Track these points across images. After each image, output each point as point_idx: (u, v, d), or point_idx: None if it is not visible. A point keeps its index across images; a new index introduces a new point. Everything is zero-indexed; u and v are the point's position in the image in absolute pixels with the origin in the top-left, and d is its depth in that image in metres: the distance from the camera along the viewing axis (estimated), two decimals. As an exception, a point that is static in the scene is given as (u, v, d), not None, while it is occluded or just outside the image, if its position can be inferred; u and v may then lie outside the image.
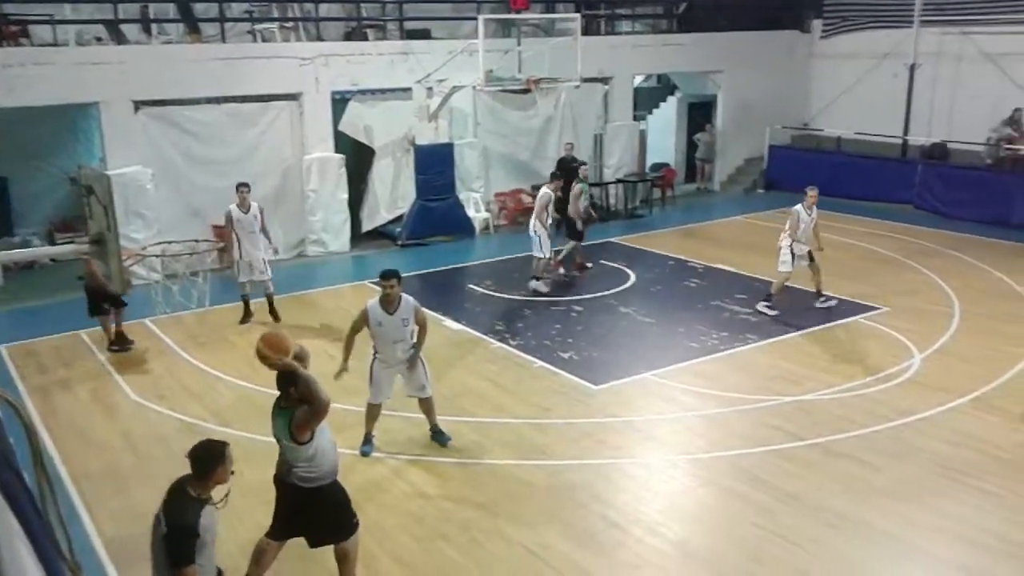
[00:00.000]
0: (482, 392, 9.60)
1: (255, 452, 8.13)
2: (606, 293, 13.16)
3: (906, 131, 19.79)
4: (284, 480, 5.65)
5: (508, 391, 9.65)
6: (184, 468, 4.69)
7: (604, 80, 19.00)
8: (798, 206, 11.80)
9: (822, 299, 12.09)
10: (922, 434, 8.29)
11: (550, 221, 13.13)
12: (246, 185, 11.92)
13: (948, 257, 14.61)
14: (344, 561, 5.80)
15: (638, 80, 20.96)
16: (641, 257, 15.17)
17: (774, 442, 8.18)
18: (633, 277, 13.94)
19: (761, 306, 12.02)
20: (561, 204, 13.91)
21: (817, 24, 22.06)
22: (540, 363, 10.41)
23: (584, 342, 11.10)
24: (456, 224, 16.75)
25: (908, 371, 9.79)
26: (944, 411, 8.75)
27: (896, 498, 7.22)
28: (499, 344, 11.10)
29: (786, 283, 11.91)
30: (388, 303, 7.68)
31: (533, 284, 13.19)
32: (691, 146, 21.52)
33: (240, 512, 6.51)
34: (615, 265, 14.65)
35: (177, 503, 4.61)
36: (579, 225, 14.00)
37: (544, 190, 13.13)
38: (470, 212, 17.11)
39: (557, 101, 18.20)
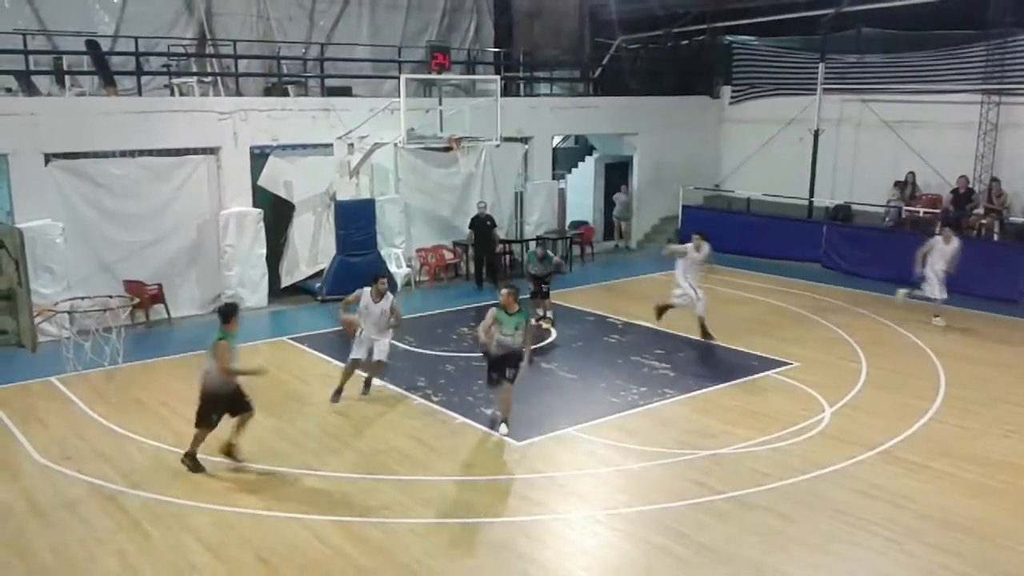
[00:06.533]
0: (404, 449, 9.50)
1: (165, 514, 7.89)
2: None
3: (812, 193, 20.69)
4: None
5: (431, 448, 9.59)
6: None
7: (524, 140, 19.40)
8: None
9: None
10: (834, 485, 8.54)
11: None
12: None
13: (854, 314, 15.22)
14: None
15: (557, 140, 21.46)
16: (562, 313, 15.34)
17: (693, 495, 8.30)
18: (555, 333, 14.09)
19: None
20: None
21: (726, 90, 23.06)
22: (462, 419, 10.39)
23: (506, 398, 11.12)
24: (377, 279, 16.69)
25: (819, 424, 10.10)
26: (854, 463, 9.04)
27: (810, 548, 7.40)
28: (421, 400, 11.05)
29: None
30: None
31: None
32: (609, 205, 22.05)
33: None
34: (536, 322, 14.75)
35: None
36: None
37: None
38: (392, 267, 17.08)
39: (478, 159, 18.46)
